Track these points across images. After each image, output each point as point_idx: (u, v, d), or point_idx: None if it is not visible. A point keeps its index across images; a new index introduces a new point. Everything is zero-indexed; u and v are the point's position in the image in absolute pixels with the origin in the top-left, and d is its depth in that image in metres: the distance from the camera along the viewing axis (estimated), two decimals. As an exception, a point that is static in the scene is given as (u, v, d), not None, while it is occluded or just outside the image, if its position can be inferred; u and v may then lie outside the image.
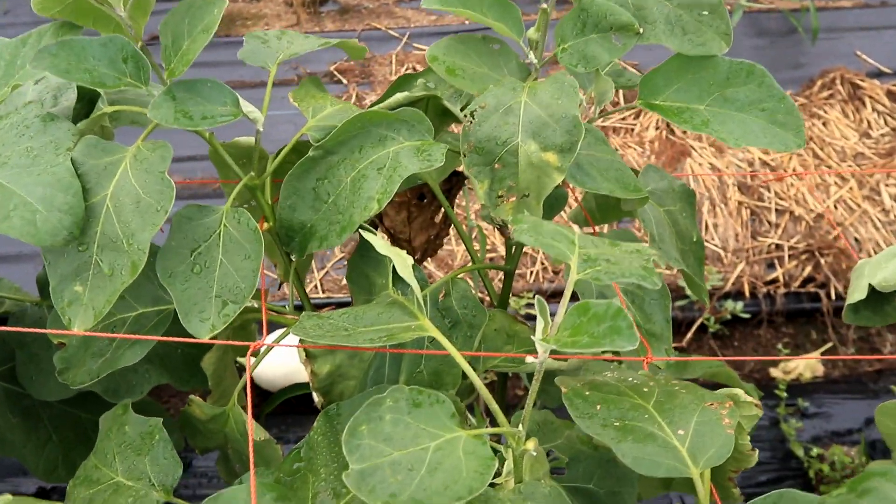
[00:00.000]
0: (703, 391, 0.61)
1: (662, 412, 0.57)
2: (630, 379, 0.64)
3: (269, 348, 0.77)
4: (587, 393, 0.59)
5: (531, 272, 1.81)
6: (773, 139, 0.74)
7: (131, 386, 0.97)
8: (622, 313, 0.46)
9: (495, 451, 0.52)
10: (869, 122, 2.19)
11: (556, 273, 1.81)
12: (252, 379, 1.48)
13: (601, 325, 0.47)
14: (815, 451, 1.49)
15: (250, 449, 0.57)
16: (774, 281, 1.86)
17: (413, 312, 0.60)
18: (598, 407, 0.57)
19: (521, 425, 0.53)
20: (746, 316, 1.79)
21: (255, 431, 0.77)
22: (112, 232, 0.66)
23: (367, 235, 0.64)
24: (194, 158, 1.99)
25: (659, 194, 0.90)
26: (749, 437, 0.74)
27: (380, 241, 0.62)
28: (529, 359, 0.50)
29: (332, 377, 0.78)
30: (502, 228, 0.88)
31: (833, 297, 1.83)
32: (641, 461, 0.52)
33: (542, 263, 1.83)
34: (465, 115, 0.74)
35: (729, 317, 1.79)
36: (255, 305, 0.76)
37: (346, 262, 1.92)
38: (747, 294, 1.83)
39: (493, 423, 0.58)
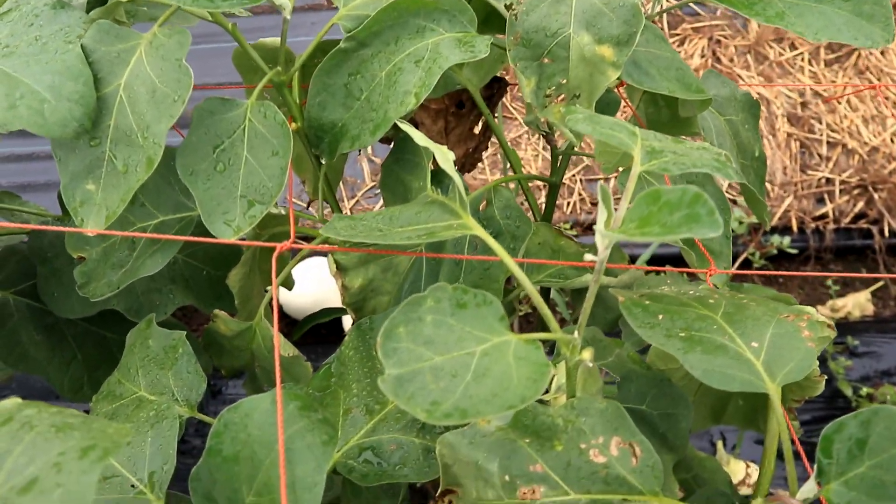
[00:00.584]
0: (775, 304, 0.55)
1: (732, 324, 0.51)
2: (691, 292, 0.58)
3: (298, 259, 0.72)
4: (647, 303, 0.53)
5: (568, 203, 1.74)
6: (858, 33, 0.66)
7: (155, 306, 0.94)
8: (701, 199, 0.40)
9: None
10: (931, 51, 2.05)
11: (593, 204, 1.74)
12: (280, 305, 1.44)
13: (675, 213, 0.41)
14: (864, 390, 1.42)
15: (276, 359, 0.52)
16: (824, 216, 1.77)
17: (454, 211, 0.54)
18: (660, 317, 0.51)
19: (576, 332, 0.47)
20: (793, 252, 1.71)
21: (282, 347, 0.73)
22: (126, 125, 0.61)
23: (403, 126, 0.58)
24: (221, 86, 1.93)
25: (720, 102, 0.83)
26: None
27: (418, 133, 0.56)
28: (588, 256, 0.45)
29: (365, 292, 0.73)
30: (548, 136, 0.81)
31: (886, 233, 1.74)
32: (712, 373, 0.47)
33: (580, 194, 1.75)
34: (512, 4, 0.67)
35: (775, 252, 1.71)
36: (283, 212, 0.71)
37: (377, 192, 1.87)
38: (795, 229, 1.75)
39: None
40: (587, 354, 0.48)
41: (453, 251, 0.65)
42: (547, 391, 0.56)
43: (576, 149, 0.81)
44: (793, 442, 0.63)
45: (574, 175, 1.79)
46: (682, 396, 0.68)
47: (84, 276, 0.78)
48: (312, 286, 1.47)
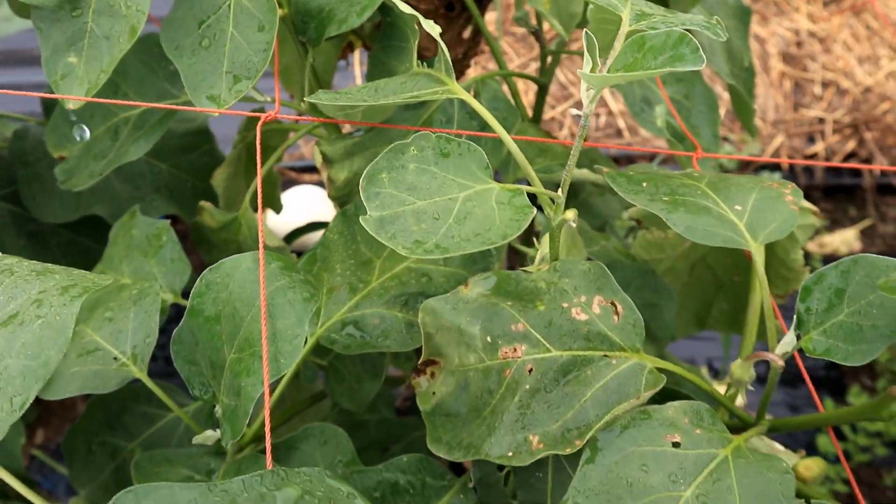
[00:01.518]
0: (760, 177, 0.55)
1: (717, 191, 0.51)
2: (675, 172, 0.58)
3: (288, 144, 0.72)
4: (631, 174, 0.53)
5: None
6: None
7: (139, 213, 0.93)
8: (686, 38, 0.40)
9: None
10: (927, -7, 2.04)
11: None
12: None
13: (659, 57, 0.41)
14: (848, 322, 1.44)
15: (259, 221, 0.52)
16: (815, 155, 1.77)
17: (440, 79, 0.54)
18: (645, 184, 0.51)
19: (560, 190, 0.47)
20: (783, 189, 1.71)
21: (267, 237, 0.73)
22: (108, -5, 0.59)
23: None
24: None
25: (711, 4, 0.82)
26: (801, 254, 0.68)
27: (403, 3, 0.55)
28: (573, 111, 0.44)
29: (351, 185, 0.72)
30: (537, 34, 0.80)
31: (877, 172, 1.74)
32: (695, 230, 0.47)
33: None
34: None
35: (764, 190, 1.72)
36: (269, 99, 0.70)
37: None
38: (785, 167, 1.75)
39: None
40: (571, 214, 0.48)
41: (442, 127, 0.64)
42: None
43: (566, 46, 0.80)
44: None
45: (564, 111, 1.78)
46: (667, 288, 0.68)
47: (65, 174, 0.78)
48: (302, 213, 1.46)
